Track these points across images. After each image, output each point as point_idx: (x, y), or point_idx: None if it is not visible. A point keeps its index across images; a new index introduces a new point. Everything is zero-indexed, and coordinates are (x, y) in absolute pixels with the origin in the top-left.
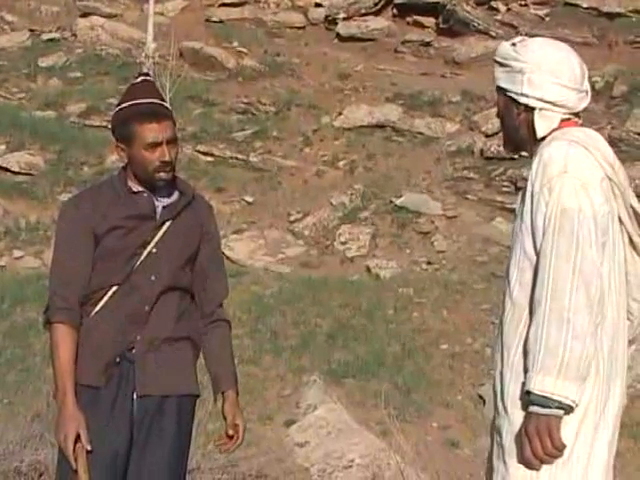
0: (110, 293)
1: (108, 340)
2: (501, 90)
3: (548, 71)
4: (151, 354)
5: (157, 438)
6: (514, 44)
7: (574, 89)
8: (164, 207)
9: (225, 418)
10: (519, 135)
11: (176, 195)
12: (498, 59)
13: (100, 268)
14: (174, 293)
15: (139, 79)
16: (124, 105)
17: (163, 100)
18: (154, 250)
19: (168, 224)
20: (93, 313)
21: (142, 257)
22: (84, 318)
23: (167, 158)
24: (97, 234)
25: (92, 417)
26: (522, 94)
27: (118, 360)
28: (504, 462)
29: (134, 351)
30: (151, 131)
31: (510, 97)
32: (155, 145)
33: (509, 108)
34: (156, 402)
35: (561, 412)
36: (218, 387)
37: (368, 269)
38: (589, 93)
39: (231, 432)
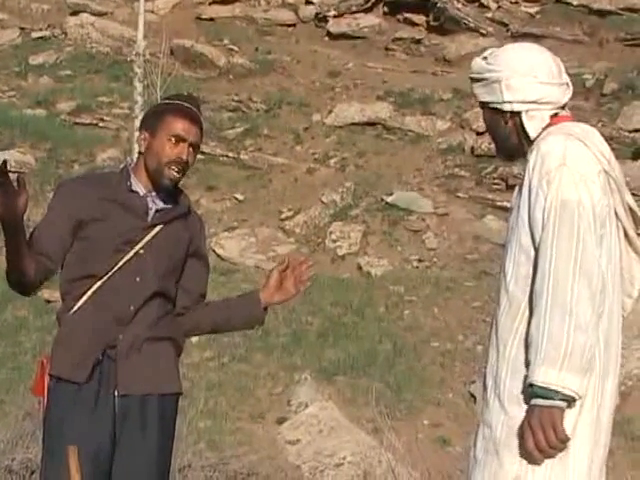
0: (94, 288)
1: (91, 337)
2: (484, 105)
3: (524, 73)
4: (133, 353)
5: (140, 436)
6: (485, 57)
7: (554, 84)
8: (157, 211)
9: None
10: (510, 143)
11: (171, 203)
12: (473, 75)
13: (81, 257)
14: (159, 297)
15: (186, 93)
16: (164, 101)
17: (201, 115)
18: (141, 251)
19: (159, 228)
20: (75, 308)
21: (128, 256)
22: (66, 313)
23: (185, 157)
24: (82, 219)
25: (74, 413)
26: (504, 101)
27: (100, 357)
28: (497, 457)
29: (116, 349)
30: (182, 126)
31: (494, 108)
32: (179, 140)
33: (495, 119)
34: (138, 401)
35: (564, 404)
36: (252, 302)
37: (359, 267)
38: (570, 85)
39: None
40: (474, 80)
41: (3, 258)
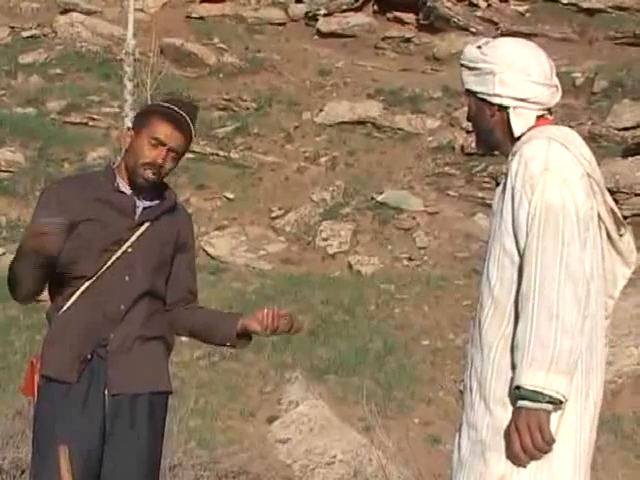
0: (82, 288)
1: (81, 337)
2: (472, 93)
3: (519, 69)
4: (123, 352)
5: (130, 435)
6: (479, 47)
7: (545, 85)
8: (144, 208)
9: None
10: (493, 136)
11: (158, 199)
12: (465, 63)
13: (71, 257)
14: (149, 295)
15: (186, 99)
16: (159, 103)
17: (194, 123)
18: (129, 250)
19: (146, 226)
20: (65, 308)
21: (116, 255)
22: (55, 312)
23: (160, 161)
24: (73, 221)
25: (65, 412)
26: (495, 94)
27: (90, 356)
28: (483, 458)
29: (107, 348)
30: (164, 130)
31: (482, 99)
32: (159, 144)
33: (481, 110)
34: (128, 400)
35: (551, 407)
36: (231, 321)
37: (349, 265)
38: (559, 88)
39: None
40: (465, 67)
41: (1, 260)
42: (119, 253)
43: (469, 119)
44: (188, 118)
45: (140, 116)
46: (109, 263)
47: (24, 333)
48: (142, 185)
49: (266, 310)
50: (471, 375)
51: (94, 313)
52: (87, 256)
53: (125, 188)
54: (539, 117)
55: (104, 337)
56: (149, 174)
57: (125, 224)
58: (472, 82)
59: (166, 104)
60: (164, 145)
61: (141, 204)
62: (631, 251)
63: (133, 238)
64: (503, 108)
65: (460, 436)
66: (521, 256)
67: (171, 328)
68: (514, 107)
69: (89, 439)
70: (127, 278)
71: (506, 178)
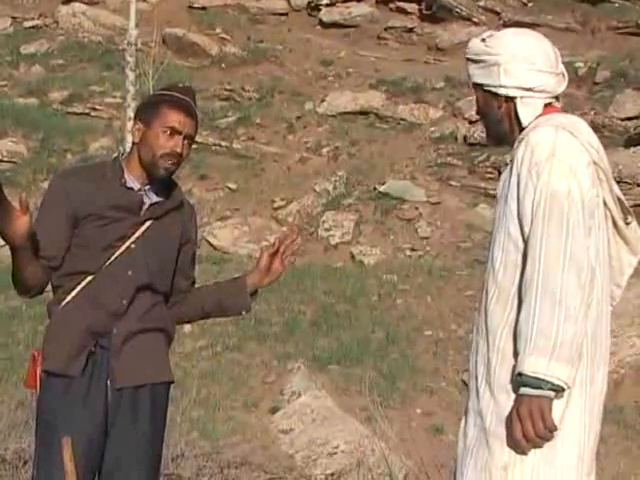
0: (84, 283)
1: (83, 330)
2: (478, 86)
3: (523, 59)
4: (126, 347)
5: (131, 426)
6: (483, 39)
7: (551, 73)
8: (151, 205)
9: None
10: (502, 127)
11: (165, 195)
12: (470, 56)
13: (74, 253)
14: (151, 290)
15: (181, 84)
16: (159, 92)
17: (196, 107)
18: (133, 245)
19: (150, 222)
20: (65, 302)
21: (120, 250)
22: (56, 306)
23: (179, 150)
24: (78, 216)
25: (67, 404)
26: (501, 85)
27: (93, 349)
28: (487, 445)
29: (109, 340)
30: (177, 118)
31: (489, 91)
32: (174, 132)
33: (489, 102)
34: (130, 391)
35: (553, 394)
36: (240, 289)
37: (352, 256)
38: (565, 76)
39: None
40: (471, 61)
41: (3, 251)
42: (122, 249)
43: (478, 113)
44: (194, 104)
45: (146, 107)
46: (112, 259)
47: (26, 324)
48: (162, 176)
49: (265, 254)
50: (477, 362)
51: (96, 308)
52: (90, 252)
53: (133, 184)
54: (546, 105)
55: (106, 330)
56: (167, 164)
57: (130, 221)
58: (478, 75)
59: (169, 92)
60: (180, 133)
61: (148, 200)
62: (638, 239)
63: (137, 234)
64: (510, 99)
65: (466, 423)
66: (525, 242)
67: (172, 320)
68: (521, 97)
69: (91, 431)
70: (130, 273)
71: (512, 164)
